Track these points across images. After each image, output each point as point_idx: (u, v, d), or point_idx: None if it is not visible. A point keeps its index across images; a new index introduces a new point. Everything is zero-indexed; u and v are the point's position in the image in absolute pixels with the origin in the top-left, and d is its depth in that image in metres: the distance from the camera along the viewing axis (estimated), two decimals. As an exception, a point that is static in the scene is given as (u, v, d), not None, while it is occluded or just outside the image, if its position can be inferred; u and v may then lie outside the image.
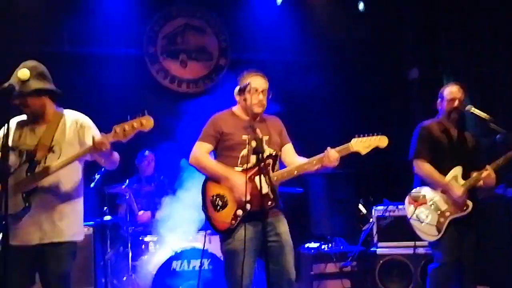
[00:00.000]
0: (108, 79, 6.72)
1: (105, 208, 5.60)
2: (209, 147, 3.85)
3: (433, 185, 4.36)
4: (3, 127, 3.43)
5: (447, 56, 7.30)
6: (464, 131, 4.54)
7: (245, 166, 3.72)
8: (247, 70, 3.90)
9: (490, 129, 4.33)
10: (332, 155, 3.64)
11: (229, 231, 3.69)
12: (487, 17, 6.61)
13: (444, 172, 4.35)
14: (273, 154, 3.78)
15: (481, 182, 4.29)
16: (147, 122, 3.25)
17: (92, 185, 5.43)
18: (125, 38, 7.11)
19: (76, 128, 3.46)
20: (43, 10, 6.56)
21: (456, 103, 4.41)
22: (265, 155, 3.67)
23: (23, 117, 3.48)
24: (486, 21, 6.63)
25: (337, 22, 7.74)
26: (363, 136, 3.75)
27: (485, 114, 4.33)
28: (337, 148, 3.72)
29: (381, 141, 3.78)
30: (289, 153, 3.98)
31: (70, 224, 3.43)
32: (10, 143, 3.28)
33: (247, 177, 3.60)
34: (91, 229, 4.87)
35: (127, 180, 5.79)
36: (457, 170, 4.36)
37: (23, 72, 3.21)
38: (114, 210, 6.01)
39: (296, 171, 3.74)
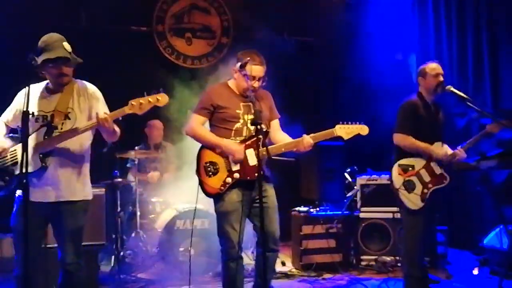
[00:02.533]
0: (120, 54, 6.69)
1: (116, 171, 5.58)
2: (203, 120, 3.81)
3: (417, 153, 4.33)
4: (20, 93, 3.46)
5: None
6: (440, 108, 4.50)
7: (238, 139, 3.71)
8: (250, 54, 3.76)
9: (467, 107, 4.30)
10: (306, 142, 3.67)
11: (218, 195, 3.72)
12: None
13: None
14: (263, 130, 3.66)
15: (456, 158, 4.28)
16: (162, 99, 3.30)
17: (105, 150, 5.41)
18: (136, 17, 7.03)
19: (87, 97, 3.43)
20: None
21: (441, 77, 4.35)
22: (255, 131, 3.63)
23: (37, 85, 3.44)
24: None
25: (333, 7, 7.68)
26: (347, 123, 3.79)
27: (463, 93, 4.29)
28: (322, 132, 3.74)
29: (362, 129, 3.83)
30: (274, 128, 3.95)
31: (83, 184, 3.46)
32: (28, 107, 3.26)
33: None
34: (103, 189, 4.85)
35: (136, 147, 5.77)
36: (438, 145, 4.34)
37: (68, 45, 3.21)
38: (124, 173, 5.99)
39: (280, 150, 3.74)
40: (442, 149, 4.28)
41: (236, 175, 3.67)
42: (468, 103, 4.27)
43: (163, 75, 6.61)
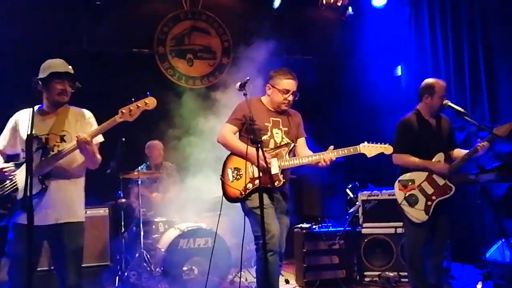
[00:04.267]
0: (122, 76, 6.73)
1: (120, 191, 5.61)
2: (235, 129, 4.02)
3: (416, 169, 4.34)
4: (12, 119, 3.48)
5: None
6: (441, 117, 4.51)
7: (264, 149, 3.77)
8: (283, 71, 4.06)
9: (465, 121, 4.31)
10: (326, 157, 3.84)
11: (237, 199, 3.91)
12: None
13: (429, 159, 4.34)
14: (288, 143, 4.00)
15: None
16: (150, 102, 3.33)
17: (108, 171, 5.45)
18: (138, 39, 7.11)
19: (84, 122, 3.48)
20: (64, 14, 6.55)
21: (446, 100, 4.37)
22: (282, 144, 4.00)
23: (27, 110, 3.44)
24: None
25: (330, 25, 7.77)
26: (372, 143, 3.92)
27: (460, 108, 4.31)
28: (346, 148, 3.90)
29: (387, 149, 3.95)
30: (300, 145, 4.17)
31: (80, 206, 3.49)
32: (24, 132, 3.33)
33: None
34: (107, 210, 4.89)
35: (139, 167, 5.80)
36: (440, 156, 4.35)
37: (71, 68, 3.28)
38: (127, 194, 6.02)
39: (302, 162, 3.92)
40: (440, 163, 4.29)
41: (257, 182, 3.78)
42: (466, 117, 4.30)
43: (165, 96, 6.67)
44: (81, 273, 3.45)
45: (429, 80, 4.43)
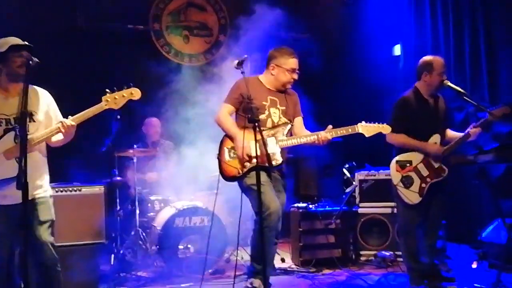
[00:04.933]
0: (118, 53, 6.65)
1: (115, 169, 5.58)
2: (232, 109, 4.03)
3: (411, 149, 4.33)
4: None
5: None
6: (439, 98, 4.48)
7: (262, 128, 3.75)
8: (287, 50, 4.08)
9: (464, 102, 4.30)
10: (323, 136, 3.86)
11: (234, 178, 3.94)
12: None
13: (424, 140, 4.32)
14: (286, 123, 4.01)
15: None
16: (135, 92, 3.40)
17: (103, 149, 5.42)
18: (133, 15, 7.01)
19: (46, 102, 3.48)
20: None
21: (445, 77, 4.33)
22: (279, 123, 4.00)
23: None
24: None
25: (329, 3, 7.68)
26: (370, 122, 3.95)
27: (459, 88, 4.28)
28: (344, 128, 3.91)
29: (384, 128, 3.98)
30: (298, 125, 4.19)
31: (47, 179, 3.54)
32: None
33: (257, 138, 3.58)
34: (102, 188, 4.84)
35: (135, 145, 5.77)
36: (436, 138, 4.33)
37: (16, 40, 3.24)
38: (123, 172, 5.99)
39: (299, 141, 3.95)
40: (435, 146, 4.28)
41: (254, 161, 3.78)
42: (465, 98, 4.27)
43: (161, 73, 6.62)
44: (55, 246, 3.44)
45: (427, 57, 4.39)
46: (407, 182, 4.30)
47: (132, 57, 6.66)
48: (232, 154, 3.95)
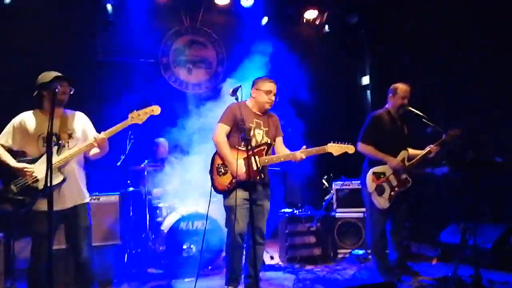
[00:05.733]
0: (131, 82, 6.66)
1: (128, 181, 5.56)
2: (227, 129, 3.99)
3: (376, 160, 4.36)
4: (16, 119, 3.44)
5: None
6: (404, 122, 4.53)
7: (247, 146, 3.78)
8: (265, 77, 4.09)
9: (423, 123, 4.35)
10: (298, 156, 3.81)
11: (226, 192, 3.88)
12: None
13: (394, 155, 4.35)
14: (268, 143, 3.98)
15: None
16: (156, 109, 3.47)
17: (118, 163, 5.41)
18: (144, 51, 7.04)
19: (82, 122, 3.55)
20: (82, 28, 6.46)
21: (406, 101, 4.40)
22: (262, 142, 3.96)
23: (28, 113, 3.46)
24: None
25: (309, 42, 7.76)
26: (338, 142, 3.87)
27: (419, 112, 4.34)
28: (315, 148, 3.85)
29: (350, 148, 3.89)
30: (278, 144, 4.16)
31: (85, 188, 3.56)
32: (32, 130, 3.36)
33: (247, 156, 3.63)
34: (117, 197, 4.84)
35: (146, 161, 5.76)
36: (403, 154, 4.38)
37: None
38: (135, 183, 5.97)
39: (280, 159, 3.91)
40: (396, 161, 4.31)
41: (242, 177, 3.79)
42: (424, 120, 4.32)
43: (168, 100, 6.63)
44: (91, 247, 3.52)
45: (396, 83, 4.47)
46: (380, 190, 4.33)
47: (143, 86, 6.66)
48: (222, 171, 3.90)
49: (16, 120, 3.43)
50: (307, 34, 7.81)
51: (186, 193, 5.61)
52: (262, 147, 3.91)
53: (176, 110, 6.25)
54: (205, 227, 4.27)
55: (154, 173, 6.13)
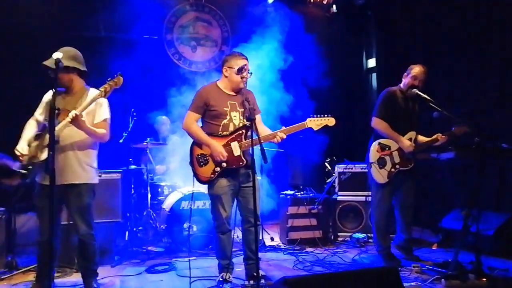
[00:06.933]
0: (135, 60, 6.58)
1: (130, 159, 5.55)
2: (197, 116, 3.79)
3: (388, 138, 4.34)
4: (47, 94, 3.60)
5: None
6: (416, 104, 4.50)
7: (224, 133, 3.72)
8: (236, 53, 3.81)
9: (429, 107, 4.31)
10: (279, 136, 3.64)
11: (210, 182, 3.74)
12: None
13: (402, 133, 4.34)
14: (246, 125, 3.73)
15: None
16: (118, 80, 3.37)
17: (121, 141, 5.39)
18: (148, 27, 6.95)
19: (92, 103, 3.43)
20: (84, 3, 6.37)
21: (417, 82, 4.37)
22: (240, 125, 3.72)
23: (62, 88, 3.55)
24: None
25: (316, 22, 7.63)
26: (316, 116, 3.71)
27: (426, 96, 4.30)
28: (295, 125, 3.70)
29: (330, 121, 3.74)
30: (257, 121, 3.81)
31: (84, 170, 3.50)
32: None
33: (226, 142, 3.60)
34: (119, 174, 4.83)
35: (148, 139, 5.74)
36: (411, 134, 4.37)
37: (56, 54, 3.15)
38: (137, 161, 5.96)
39: (261, 141, 3.55)
40: (408, 143, 4.29)
41: (224, 164, 3.69)
42: (431, 104, 4.28)
43: (171, 78, 6.58)
44: (91, 225, 3.55)
45: (413, 65, 4.46)
46: (381, 163, 4.33)
47: (147, 63, 6.59)
48: (202, 161, 3.72)
49: (44, 96, 3.62)
50: (314, 13, 7.68)
51: (188, 172, 5.60)
52: (240, 131, 3.71)
53: (179, 88, 6.21)
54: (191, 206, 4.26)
55: (156, 152, 6.12)
